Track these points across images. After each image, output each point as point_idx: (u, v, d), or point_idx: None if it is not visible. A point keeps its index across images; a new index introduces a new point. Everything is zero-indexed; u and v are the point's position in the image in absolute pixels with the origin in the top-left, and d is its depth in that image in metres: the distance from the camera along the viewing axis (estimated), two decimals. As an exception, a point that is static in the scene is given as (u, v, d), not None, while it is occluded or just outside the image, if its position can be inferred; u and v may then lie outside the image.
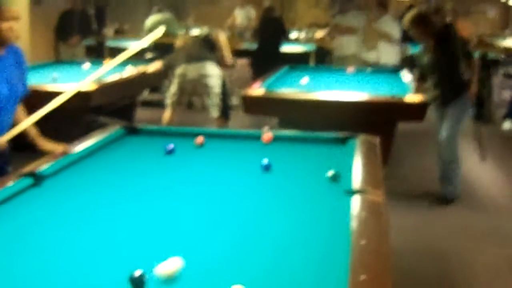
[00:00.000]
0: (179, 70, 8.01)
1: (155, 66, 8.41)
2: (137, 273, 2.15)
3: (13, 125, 4.08)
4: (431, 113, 6.55)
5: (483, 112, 10.35)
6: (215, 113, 8.01)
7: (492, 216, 6.20)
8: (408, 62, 11.91)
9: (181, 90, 8.07)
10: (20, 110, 4.20)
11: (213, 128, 7.00)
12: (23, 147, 4.15)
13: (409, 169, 7.73)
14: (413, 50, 12.62)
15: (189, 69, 7.94)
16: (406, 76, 8.10)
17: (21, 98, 4.12)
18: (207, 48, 8.09)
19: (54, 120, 6.58)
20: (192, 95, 8.62)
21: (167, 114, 8.13)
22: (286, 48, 11.90)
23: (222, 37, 8.34)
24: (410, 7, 15.78)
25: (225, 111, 8.33)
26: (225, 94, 8.28)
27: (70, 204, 3.11)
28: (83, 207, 3.05)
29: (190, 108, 10.44)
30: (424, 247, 5.36)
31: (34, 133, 4.11)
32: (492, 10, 19.80)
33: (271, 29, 11.48)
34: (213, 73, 7.96)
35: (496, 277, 4.86)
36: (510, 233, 5.75)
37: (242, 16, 14.10)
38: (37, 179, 3.37)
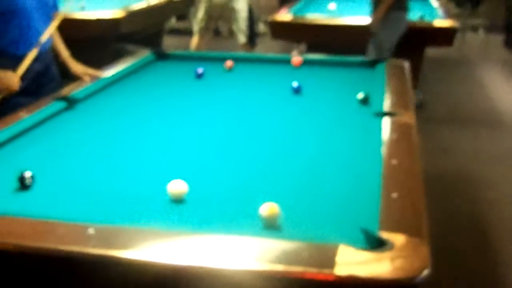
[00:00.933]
0: None
1: None
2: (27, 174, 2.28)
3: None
4: (460, 40, 6.50)
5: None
6: (242, 39, 7.92)
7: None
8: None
9: (208, 15, 7.96)
10: (56, 36, 4.13)
11: (242, 52, 6.95)
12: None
13: (439, 95, 7.68)
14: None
15: None
16: (435, 1, 8.00)
17: (52, 12, 4.00)
18: None
19: (83, 48, 6.61)
20: (218, 20, 8.46)
21: (194, 41, 8.07)
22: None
23: None
24: None
25: (252, 37, 8.24)
26: (251, 20, 8.19)
27: (101, 126, 3.13)
28: (114, 129, 3.08)
29: (217, 35, 10.33)
30: (454, 169, 5.37)
31: (66, 55, 4.08)
32: None
33: None
34: None
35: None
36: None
37: None
38: (70, 102, 3.39)
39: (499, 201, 4.84)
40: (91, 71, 3.98)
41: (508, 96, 7.65)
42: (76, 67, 4.02)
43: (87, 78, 3.89)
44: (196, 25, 8.18)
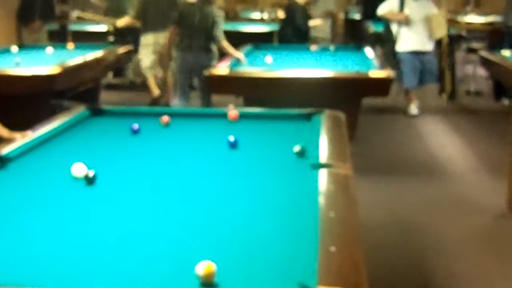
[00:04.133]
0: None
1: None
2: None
3: None
4: (396, 90, 6.61)
5: (443, 86, 10.45)
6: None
7: (458, 187, 6.26)
8: (370, 39, 12.00)
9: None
10: None
11: (178, 108, 6.94)
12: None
13: (375, 145, 7.76)
14: (375, 27, 12.73)
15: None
16: (369, 52, 8.13)
17: None
18: None
19: (17, 105, 6.57)
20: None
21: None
22: (250, 28, 11.86)
23: None
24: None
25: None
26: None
27: (35, 186, 3.05)
28: (48, 188, 3.00)
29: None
30: (392, 221, 5.40)
31: None
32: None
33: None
34: None
35: (465, 248, 4.91)
36: (476, 202, 5.81)
37: None
38: (2, 161, 3.32)
39: (438, 248, 4.87)
40: (16, 134, 3.86)
41: (444, 144, 7.77)
42: (3, 133, 3.92)
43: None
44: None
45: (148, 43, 9.35)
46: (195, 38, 7.77)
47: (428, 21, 9.45)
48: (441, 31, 9.65)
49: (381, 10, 9.79)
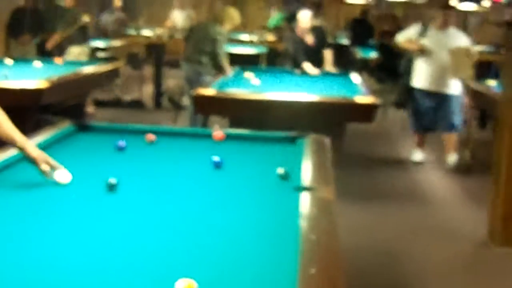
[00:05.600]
0: None
1: None
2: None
3: None
4: (380, 115, 6.64)
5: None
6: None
7: (440, 214, 6.32)
8: (357, 65, 12.08)
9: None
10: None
11: (164, 126, 6.96)
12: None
13: (359, 170, 7.79)
14: (363, 53, 12.83)
15: None
16: (355, 77, 8.18)
17: None
18: None
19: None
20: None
21: None
22: (237, 50, 11.90)
23: None
24: (364, 12, 16.10)
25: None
26: None
27: (15, 201, 3.04)
28: (29, 205, 2.98)
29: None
30: (375, 246, 5.42)
31: (21, 140, 3.49)
32: (440, 17, 19.99)
33: None
34: None
35: (446, 275, 4.93)
36: (457, 230, 5.85)
37: (183, 17, 14.29)
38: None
39: (419, 275, 4.89)
40: (51, 161, 3.39)
41: (427, 171, 7.80)
42: (34, 151, 3.45)
43: (45, 167, 3.30)
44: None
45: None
46: (193, 51, 8.28)
47: (451, 55, 7.92)
48: (465, 71, 7.99)
49: (399, 38, 8.59)
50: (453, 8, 8.87)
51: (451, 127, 8.14)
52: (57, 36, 10.15)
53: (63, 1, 10.37)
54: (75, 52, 10.10)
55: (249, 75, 8.29)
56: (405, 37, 8.45)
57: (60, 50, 10.09)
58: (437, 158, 8.40)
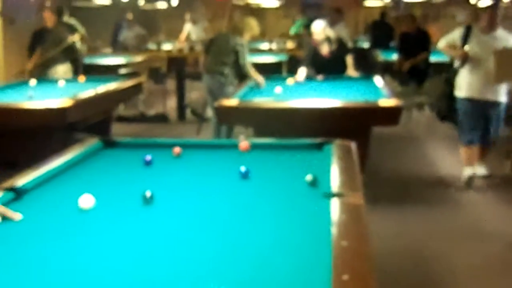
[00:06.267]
0: None
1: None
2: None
3: None
4: (404, 117, 6.60)
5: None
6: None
7: (470, 215, 6.27)
8: (380, 68, 12.04)
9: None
10: None
11: (190, 139, 6.98)
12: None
13: (387, 173, 7.77)
14: (384, 55, 12.78)
15: None
16: (379, 81, 8.14)
17: None
18: None
19: (30, 138, 6.61)
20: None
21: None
22: (258, 59, 11.89)
23: None
24: (383, 14, 16.04)
25: None
26: None
27: (49, 218, 3.08)
28: (62, 221, 3.02)
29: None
30: (404, 250, 5.39)
31: None
32: (461, 14, 19.94)
33: None
34: None
35: (477, 276, 4.91)
36: (488, 230, 5.82)
37: (197, 31, 14.45)
38: (18, 193, 3.35)
39: (450, 277, 4.87)
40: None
41: (456, 173, 7.74)
42: None
43: None
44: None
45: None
46: (215, 63, 8.25)
47: (494, 57, 6.96)
48: (507, 74, 7.07)
49: (441, 43, 7.78)
50: (497, 6, 7.72)
51: (495, 138, 7.49)
52: (35, 57, 10.17)
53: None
54: (60, 71, 10.07)
55: (290, 81, 8.41)
56: (448, 41, 7.62)
57: (43, 70, 10.07)
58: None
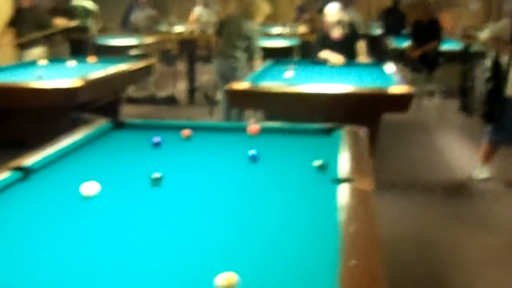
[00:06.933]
0: None
1: None
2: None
3: None
4: (414, 104, 6.56)
5: (466, 103, 10.42)
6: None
7: (479, 204, 6.27)
8: (391, 54, 11.99)
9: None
10: None
11: (199, 121, 6.97)
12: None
13: (396, 160, 7.76)
14: (397, 43, 12.74)
15: None
16: (390, 67, 8.11)
17: None
18: None
19: (41, 117, 6.63)
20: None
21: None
22: (270, 43, 11.86)
23: None
24: (396, 1, 15.95)
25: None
26: None
27: (56, 197, 3.09)
28: (69, 200, 3.02)
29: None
30: (414, 237, 5.40)
31: None
32: (474, 3, 19.91)
33: None
34: None
35: (486, 265, 4.90)
36: (497, 219, 5.82)
37: (208, 14, 14.41)
38: (26, 172, 3.36)
39: (459, 265, 4.87)
40: None
41: (465, 162, 7.72)
42: None
43: None
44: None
45: None
46: (227, 46, 8.14)
47: None
48: None
49: (483, 35, 7.40)
50: None
51: None
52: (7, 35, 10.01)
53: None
54: (34, 53, 9.94)
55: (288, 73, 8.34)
56: (493, 32, 6.94)
57: (20, 50, 9.96)
58: (476, 145, 8.33)
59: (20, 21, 9.68)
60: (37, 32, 9.51)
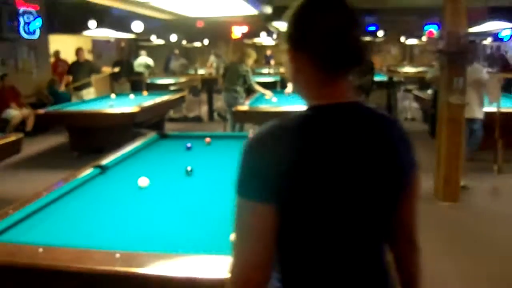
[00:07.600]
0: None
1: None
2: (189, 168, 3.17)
3: None
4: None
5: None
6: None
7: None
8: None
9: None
10: None
11: (217, 132, 6.97)
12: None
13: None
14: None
15: None
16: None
17: None
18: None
19: (111, 132, 6.63)
20: None
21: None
22: (260, 79, 11.81)
23: None
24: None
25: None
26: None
27: (124, 185, 3.09)
28: (132, 186, 3.02)
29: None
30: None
31: None
32: (394, 50, 20.17)
33: None
34: None
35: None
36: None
37: (218, 61, 15.14)
38: (103, 169, 3.36)
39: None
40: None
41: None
42: None
43: None
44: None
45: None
46: (230, 84, 7.96)
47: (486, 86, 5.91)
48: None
49: (429, 75, 7.16)
50: None
51: (477, 146, 6.23)
52: (65, 80, 9.39)
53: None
54: (84, 93, 9.25)
55: (288, 91, 8.22)
56: (433, 74, 6.56)
57: (76, 91, 9.28)
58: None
59: (75, 71, 9.37)
60: (88, 77, 9.26)
